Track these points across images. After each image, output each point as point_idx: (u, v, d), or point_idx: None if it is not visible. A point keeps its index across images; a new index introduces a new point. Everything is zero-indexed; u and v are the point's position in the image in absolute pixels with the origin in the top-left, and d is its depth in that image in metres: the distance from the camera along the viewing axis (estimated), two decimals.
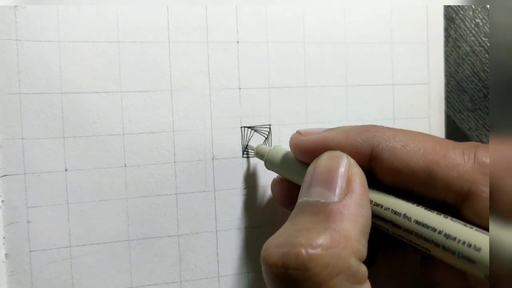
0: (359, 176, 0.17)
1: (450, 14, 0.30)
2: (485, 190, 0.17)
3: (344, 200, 0.16)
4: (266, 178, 0.26)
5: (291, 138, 0.21)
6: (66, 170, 0.23)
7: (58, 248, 0.23)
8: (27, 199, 0.23)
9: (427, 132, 0.29)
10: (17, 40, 0.22)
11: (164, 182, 0.25)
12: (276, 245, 0.16)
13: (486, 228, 0.16)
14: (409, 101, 0.29)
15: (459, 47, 0.30)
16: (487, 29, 0.30)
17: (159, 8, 0.24)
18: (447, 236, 0.16)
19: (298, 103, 0.27)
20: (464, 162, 0.17)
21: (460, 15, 0.30)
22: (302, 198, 0.18)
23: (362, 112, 0.28)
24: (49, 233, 0.23)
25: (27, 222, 0.23)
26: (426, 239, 0.16)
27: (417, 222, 0.17)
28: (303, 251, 0.15)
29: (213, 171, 0.25)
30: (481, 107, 0.31)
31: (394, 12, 0.29)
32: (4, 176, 0.22)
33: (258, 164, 0.26)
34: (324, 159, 0.18)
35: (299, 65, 0.27)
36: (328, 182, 0.17)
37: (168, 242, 0.25)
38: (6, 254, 0.22)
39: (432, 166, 0.17)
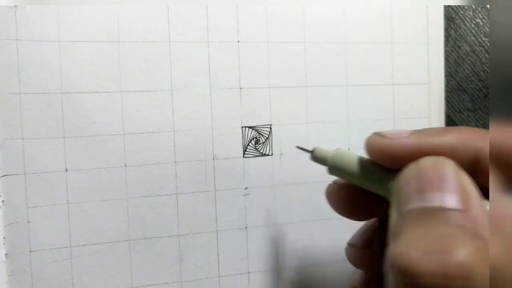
0: (470, 182, 0.16)
1: (450, 14, 0.30)
2: None
3: (471, 208, 0.15)
4: (267, 178, 0.26)
5: (370, 140, 0.19)
6: (66, 170, 0.23)
7: (58, 248, 0.23)
8: (27, 199, 0.23)
9: None
10: (17, 40, 0.22)
11: (164, 182, 0.25)
12: (424, 252, 0.13)
13: None
14: (409, 101, 0.29)
15: (459, 47, 0.30)
16: (487, 29, 0.31)
17: (159, 8, 0.24)
18: None
19: (299, 103, 0.27)
20: None
21: (460, 15, 0.30)
22: (414, 204, 0.15)
23: (362, 112, 0.28)
24: (49, 233, 0.23)
25: (27, 222, 0.23)
26: None
27: None
28: (465, 258, 0.13)
29: (214, 171, 0.25)
30: (481, 107, 0.31)
31: (394, 12, 0.29)
32: (4, 176, 0.22)
33: (259, 164, 0.26)
34: (429, 163, 0.16)
35: (300, 65, 0.27)
36: (445, 187, 0.15)
37: (168, 242, 0.25)
38: (6, 254, 0.22)
39: None
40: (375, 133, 0.19)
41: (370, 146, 0.19)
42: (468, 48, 0.31)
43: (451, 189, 0.15)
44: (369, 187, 0.19)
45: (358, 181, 0.20)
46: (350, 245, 0.23)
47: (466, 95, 0.31)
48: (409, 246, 0.14)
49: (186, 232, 0.25)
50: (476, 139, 0.17)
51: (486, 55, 0.31)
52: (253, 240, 0.26)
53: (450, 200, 0.15)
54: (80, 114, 0.23)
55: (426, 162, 0.16)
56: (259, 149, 0.26)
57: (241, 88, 0.26)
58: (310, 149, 0.21)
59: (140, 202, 0.24)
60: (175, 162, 0.25)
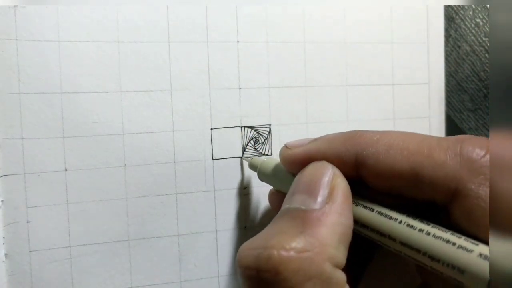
0: (342, 186, 0.17)
1: (450, 14, 0.30)
2: (472, 188, 0.16)
3: (324, 208, 0.16)
4: None
5: (280, 152, 0.21)
6: (66, 170, 0.23)
7: (58, 248, 0.23)
8: (27, 199, 0.23)
9: (428, 132, 0.29)
10: (16, 40, 0.22)
11: (164, 182, 0.25)
12: (250, 247, 0.16)
13: (473, 234, 0.16)
14: (409, 101, 0.29)
15: (459, 47, 0.30)
16: (487, 29, 0.30)
17: (159, 8, 0.24)
18: (431, 258, 0.16)
19: (298, 103, 0.27)
20: (449, 160, 0.17)
21: (460, 15, 0.30)
22: (284, 205, 0.18)
23: (362, 112, 0.28)
24: (49, 233, 0.23)
25: (27, 222, 0.23)
26: (414, 258, 0.17)
27: (401, 243, 0.17)
28: (275, 253, 0.15)
29: (213, 171, 0.25)
30: (481, 107, 0.31)
31: (394, 12, 0.29)
32: (4, 176, 0.22)
33: None
34: (309, 169, 0.19)
35: (299, 65, 0.27)
36: (311, 190, 0.17)
37: (168, 242, 0.25)
38: (6, 254, 0.22)
39: (417, 167, 0.17)
40: (285, 145, 0.21)
41: (280, 157, 0.21)
42: (468, 48, 0.31)
43: (315, 191, 0.17)
44: (286, 191, 0.21)
45: (279, 186, 0.22)
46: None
47: (466, 95, 0.31)
48: (247, 242, 0.16)
49: (186, 232, 0.25)
50: (357, 143, 0.18)
51: (486, 55, 0.31)
52: None
53: (309, 201, 0.17)
54: (79, 114, 0.23)
55: (307, 168, 0.19)
56: (258, 149, 0.26)
57: (240, 88, 0.26)
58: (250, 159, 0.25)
59: (140, 202, 0.24)
60: (174, 162, 0.25)
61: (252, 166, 0.24)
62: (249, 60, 0.26)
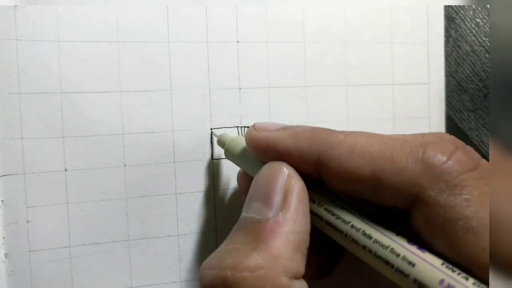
0: (296, 189, 0.17)
1: (450, 14, 0.30)
2: (432, 195, 0.16)
3: (278, 217, 0.16)
4: None
5: (246, 131, 0.21)
6: (65, 170, 0.23)
7: (57, 248, 0.23)
8: (27, 199, 0.23)
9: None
10: (16, 40, 0.22)
11: (164, 182, 0.25)
12: (208, 266, 0.16)
13: (431, 241, 0.16)
14: (409, 101, 0.29)
15: (459, 47, 0.30)
16: (487, 29, 0.30)
17: (159, 8, 0.24)
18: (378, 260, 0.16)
19: (298, 103, 0.27)
20: (410, 165, 0.16)
21: (460, 15, 0.30)
22: (242, 213, 0.18)
23: (362, 112, 0.28)
24: (49, 233, 0.23)
25: (27, 222, 0.23)
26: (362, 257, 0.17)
27: (354, 241, 0.17)
28: (229, 274, 0.15)
29: (213, 171, 0.25)
30: (481, 107, 0.31)
31: (394, 12, 0.29)
32: (4, 176, 0.22)
33: None
34: (264, 171, 0.18)
35: (299, 65, 0.27)
36: (266, 196, 0.17)
37: (168, 242, 0.25)
38: (5, 254, 0.22)
39: (378, 172, 0.16)
40: (253, 125, 0.20)
41: (245, 137, 0.20)
42: (468, 48, 0.31)
43: (270, 197, 0.17)
44: (250, 174, 0.21)
45: (243, 167, 0.22)
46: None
47: (466, 95, 0.31)
48: (207, 259, 0.17)
49: (186, 232, 0.25)
50: (322, 142, 0.18)
51: (486, 55, 0.31)
52: None
53: (264, 209, 0.17)
54: (79, 114, 0.23)
55: (263, 169, 0.18)
56: None
57: (240, 88, 0.26)
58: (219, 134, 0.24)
59: (140, 202, 0.24)
60: (174, 162, 0.25)
61: (220, 143, 0.23)
62: (249, 60, 0.26)
